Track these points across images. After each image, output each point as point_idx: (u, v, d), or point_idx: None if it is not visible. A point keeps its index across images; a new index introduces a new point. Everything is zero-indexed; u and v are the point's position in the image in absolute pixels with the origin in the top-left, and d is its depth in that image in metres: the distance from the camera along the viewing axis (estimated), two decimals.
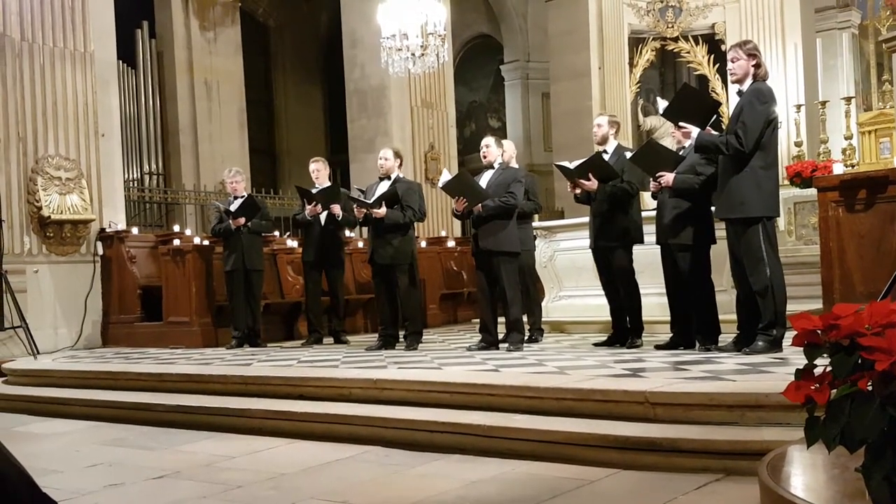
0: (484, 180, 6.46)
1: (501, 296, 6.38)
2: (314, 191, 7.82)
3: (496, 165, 6.54)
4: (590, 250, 6.80)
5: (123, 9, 10.24)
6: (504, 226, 6.31)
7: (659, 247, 5.82)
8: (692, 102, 5.53)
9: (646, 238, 6.19)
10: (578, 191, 6.25)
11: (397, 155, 7.28)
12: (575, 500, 3.26)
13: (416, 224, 7.35)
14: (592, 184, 6.10)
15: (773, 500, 1.73)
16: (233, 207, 7.81)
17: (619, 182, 6.05)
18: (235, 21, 14.97)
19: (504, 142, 7.05)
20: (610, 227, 6.15)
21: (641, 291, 6.26)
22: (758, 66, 5.17)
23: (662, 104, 5.71)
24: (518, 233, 6.52)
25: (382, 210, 6.86)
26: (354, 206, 7.15)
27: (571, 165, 6.28)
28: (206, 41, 14.39)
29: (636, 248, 6.27)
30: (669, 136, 6.10)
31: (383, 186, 7.10)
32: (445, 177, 6.80)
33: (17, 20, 8.54)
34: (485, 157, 6.57)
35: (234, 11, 14.95)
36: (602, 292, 6.55)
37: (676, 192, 5.58)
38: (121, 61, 11.76)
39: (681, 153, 5.73)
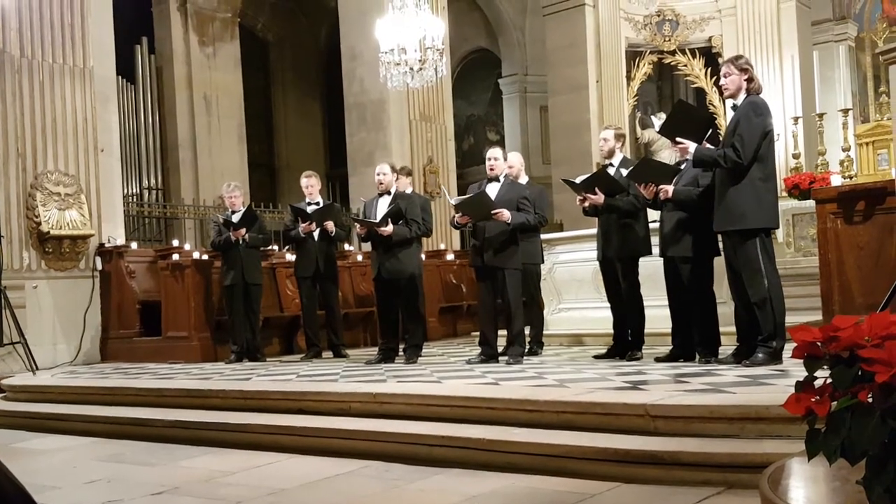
0: (490, 193, 6.43)
1: (506, 308, 6.37)
2: (310, 210, 7.82)
3: (502, 179, 6.52)
4: (589, 263, 6.81)
5: (123, 25, 10.28)
6: (511, 244, 6.31)
7: (661, 259, 5.83)
8: (687, 118, 5.55)
9: (653, 251, 6.19)
10: (587, 204, 6.26)
11: (394, 169, 7.28)
12: None
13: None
14: (599, 197, 6.11)
15: None
16: (234, 219, 7.82)
17: (626, 195, 6.05)
18: (235, 36, 15.03)
19: (511, 154, 7.04)
20: (617, 240, 6.16)
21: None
22: (750, 80, 5.20)
23: (658, 121, 5.75)
24: (525, 246, 6.53)
25: (389, 228, 6.85)
26: (357, 224, 7.15)
27: (577, 180, 6.29)
28: (205, 56, 14.44)
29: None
30: (668, 149, 6.12)
31: (383, 202, 7.10)
32: (449, 197, 6.81)
33: (17, 37, 8.57)
34: (491, 169, 6.51)
35: (233, 27, 15.01)
36: (602, 304, 6.55)
37: (677, 203, 5.59)
38: (120, 77, 11.81)
39: (682, 167, 5.74)
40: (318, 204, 7.96)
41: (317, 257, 7.90)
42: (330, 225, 7.72)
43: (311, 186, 8.04)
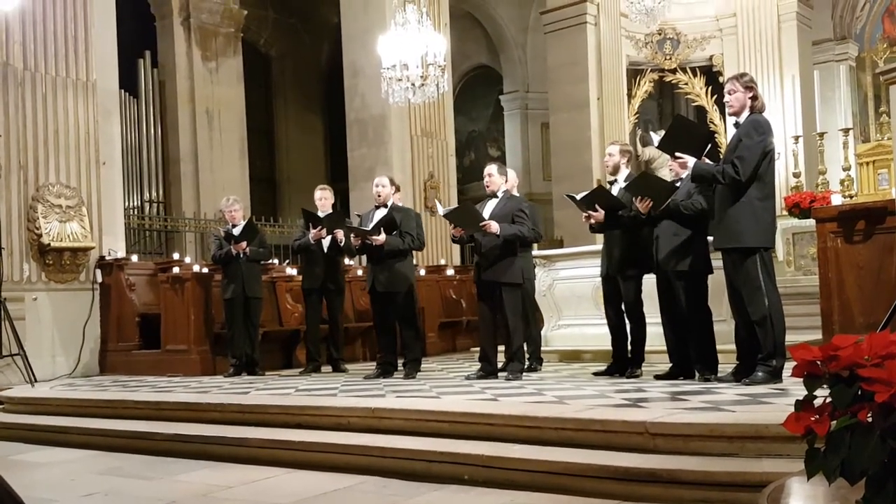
0: (488, 209, 6.45)
1: (503, 325, 6.36)
2: (322, 215, 7.84)
3: (500, 194, 6.52)
4: (588, 279, 6.81)
5: (126, 39, 10.33)
6: (508, 258, 6.31)
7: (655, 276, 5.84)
8: (686, 133, 5.55)
9: None
10: (592, 221, 6.27)
11: (393, 183, 7.32)
12: None
13: (414, 252, 7.35)
14: (599, 214, 6.11)
15: None
16: (235, 231, 7.84)
17: (629, 212, 6.04)
18: (237, 51, 15.10)
19: (507, 170, 7.06)
20: (620, 256, 6.16)
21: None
22: (754, 98, 5.20)
23: (657, 137, 5.77)
24: (519, 262, 6.52)
25: (382, 237, 6.86)
26: (352, 235, 7.17)
27: (578, 197, 6.29)
28: (207, 71, 14.50)
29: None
30: (667, 167, 6.12)
31: (380, 214, 7.12)
32: (440, 208, 6.85)
33: (21, 49, 8.61)
34: (488, 186, 6.56)
35: (235, 42, 15.08)
36: (602, 321, 6.54)
37: (665, 213, 5.61)
38: (123, 90, 11.84)
39: (677, 185, 5.76)
40: None
41: (324, 269, 7.92)
42: (339, 234, 7.73)
43: (325, 199, 8.08)
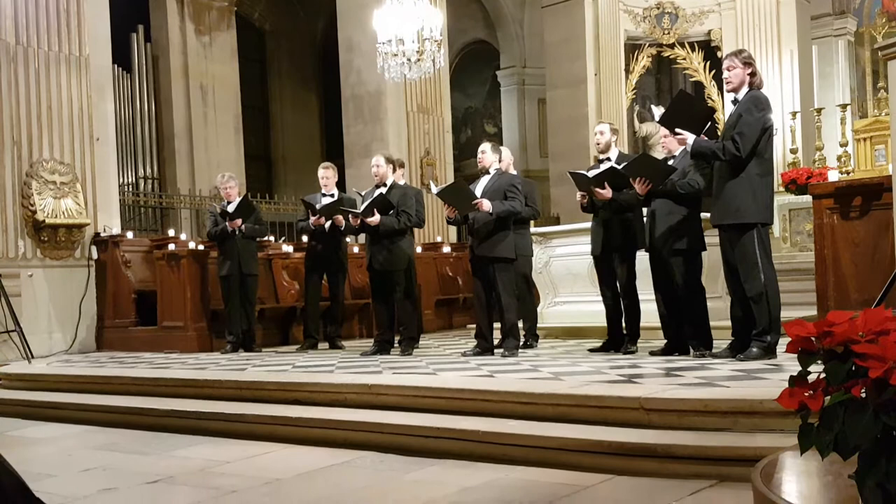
0: (480, 186, 6.46)
1: (497, 302, 6.38)
2: (325, 201, 7.83)
3: (492, 171, 6.53)
4: (585, 256, 6.81)
5: (119, 13, 10.24)
6: (501, 232, 6.31)
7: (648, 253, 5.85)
8: (688, 109, 5.54)
9: None
10: (586, 201, 6.25)
11: (389, 161, 7.30)
12: None
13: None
14: (608, 192, 6.09)
15: None
16: (230, 208, 7.83)
17: (629, 190, 6.02)
18: (231, 26, 14.99)
19: (502, 148, 7.06)
20: (618, 234, 6.16)
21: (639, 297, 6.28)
22: (753, 74, 5.19)
23: (658, 111, 5.74)
24: (515, 238, 6.52)
25: (376, 218, 6.88)
26: (350, 216, 7.20)
27: (591, 174, 6.26)
28: (201, 46, 14.40)
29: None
30: (660, 145, 6.10)
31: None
32: (433, 187, 6.86)
33: (13, 25, 8.54)
34: (480, 162, 6.58)
35: (229, 16, 14.97)
36: (597, 298, 6.55)
37: (661, 193, 5.60)
38: (116, 66, 11.76)
39: (669, 163, 5.76)
40: (332, 196, 7.96)
41: (325, 246, 7.92)
42: (339, 219, 7.73)
43: (327, 178, 8.03)
